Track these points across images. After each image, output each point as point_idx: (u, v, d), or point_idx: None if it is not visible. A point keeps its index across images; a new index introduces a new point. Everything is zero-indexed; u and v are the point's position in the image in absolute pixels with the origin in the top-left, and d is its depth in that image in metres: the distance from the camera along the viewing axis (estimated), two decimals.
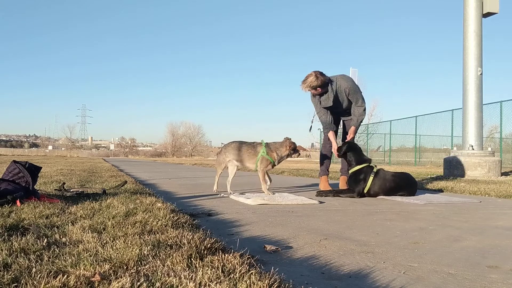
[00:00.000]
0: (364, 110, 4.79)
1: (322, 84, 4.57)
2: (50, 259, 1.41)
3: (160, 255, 1.49)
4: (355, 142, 4.71)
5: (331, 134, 4.84)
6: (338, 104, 4.73)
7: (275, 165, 4.36)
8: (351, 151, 4.38)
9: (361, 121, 4.83)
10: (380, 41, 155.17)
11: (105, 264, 1.36)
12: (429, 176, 8.19)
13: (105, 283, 1.19)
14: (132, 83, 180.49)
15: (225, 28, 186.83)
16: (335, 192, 4.30)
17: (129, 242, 1.65)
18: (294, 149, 4.38)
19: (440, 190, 5.17)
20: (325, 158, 5.03)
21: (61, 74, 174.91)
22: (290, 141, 4.37)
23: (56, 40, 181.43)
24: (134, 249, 1.52)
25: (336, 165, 6.56)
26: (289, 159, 5.34)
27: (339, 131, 5.20)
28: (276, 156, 4.30)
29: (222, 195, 4.21)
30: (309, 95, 4.87)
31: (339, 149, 4.53)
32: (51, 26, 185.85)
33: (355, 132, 4.81)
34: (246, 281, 1.21)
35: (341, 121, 5.09)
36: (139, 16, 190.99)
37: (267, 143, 4.34)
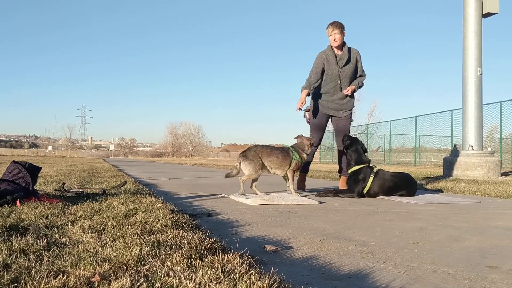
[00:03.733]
0: (364, 81, 4.96)
1: (343, 29, 4.71)
2: (50, 260, 1.41)
3: (160, 255, 1.49)
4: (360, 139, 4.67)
5: (304, 92, 4.78)
6: (345, 72, 4.78)
7: None
8: (352, 148, 4.34)
9: (360, 87, 4.95)
10: (380, 40, 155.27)
11: (105, 264, 1.36)
12: (429, 176, 8.19)
13: (105, 283, 1.19)
14: (132, 83, 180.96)
15: (225, 28, 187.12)
16: (335, 192, 4.30)
17: (129, 242, 1.65)
18: (312, 144, 4.44)
19: (440, 190, 5.17)
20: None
21: (61, 74, 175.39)
22: (307, 137, 4.43)
23: (56, 40, 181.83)
24: (134, 249, 1.51)
25: (335, 165, 6.55)
26: None
27: (331, 131, 5.22)
28: (305, 156, 4.37)
29: (222, 195, 4.21)
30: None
31: (344, 140, 4.50)
32: (50, 25, 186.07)
33: (353, 91, 4.87)
34: (246, 281, 1.21)
35: (331, 118, 4.98)
36: (139, 16, 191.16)
37: (292, 146, 4.32)
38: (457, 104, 32.00)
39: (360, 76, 4.90)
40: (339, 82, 4.78)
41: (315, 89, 4.88)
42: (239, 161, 4.13)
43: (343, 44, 4.75)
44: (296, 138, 4.47)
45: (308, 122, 5.05)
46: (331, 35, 4.67)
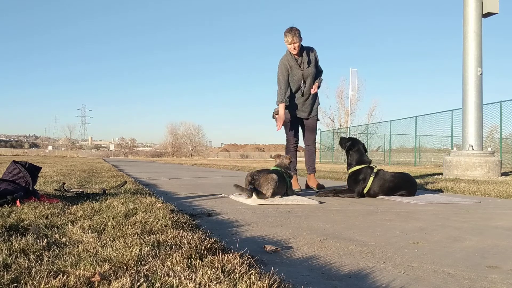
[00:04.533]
0: (321, 77, 5.11)
1: (300, 35, 4.75)
2: (50, 259, 1.41)
3: (160, 255, 1.49)
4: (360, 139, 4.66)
5: (282, 106, 4.83)
6: (309, 72, 4.88)
7: None
8: (354, 148, 4.32)
9: (321, 82, 5.08)
10: (380, 40, 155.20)
11: (105, 264, 1.36)
12: (429, 176, 8.19)
13: (105, 283, 1.19)
14: (132, 83, 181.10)
15: (226, 27, 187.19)
16: (335, 192, 4.30)
17: (129, 242, 1.65)
18: (291, 161, 4.46)
19: (440, 190, 5.17)
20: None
21: (61, 74, 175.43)
22: (285, 156, 4.40)
23: (56, 40, 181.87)
24: (134, 249, 1.51)
25: (335, 165, 6.55)
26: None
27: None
28: (291, 173, 4.32)
29: (222, 195, 4.21)
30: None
31: (342, 143, 4.49)
32: (50, 25, 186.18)
33: (318, 87, 5.01)
34: (246, 281, 1.21)
35: (302, 121, 5.11)
36: (139, 16, 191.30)
37: (277, 166, 4.21)
38: (457, 104, 32.05)
39: (320, 72, 5.08)
40: (302, 84, 4.90)
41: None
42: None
43: (301, 49, 4.84)
44: (274, 158, 4.45)
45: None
46: (290, 44, 4.72)
